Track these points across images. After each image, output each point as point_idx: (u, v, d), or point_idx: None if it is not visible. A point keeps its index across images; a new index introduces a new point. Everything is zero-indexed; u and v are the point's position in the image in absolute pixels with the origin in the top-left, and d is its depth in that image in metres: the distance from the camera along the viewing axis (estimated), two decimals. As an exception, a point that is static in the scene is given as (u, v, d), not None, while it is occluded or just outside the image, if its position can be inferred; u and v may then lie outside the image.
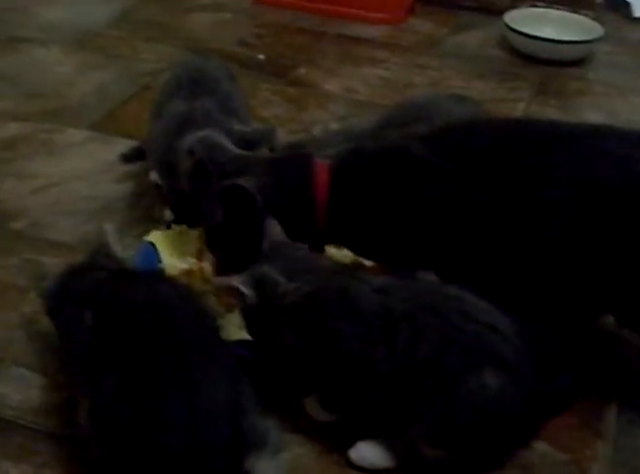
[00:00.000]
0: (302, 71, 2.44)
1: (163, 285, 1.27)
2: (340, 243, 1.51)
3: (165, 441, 1.10)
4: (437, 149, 1.40)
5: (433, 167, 1.38)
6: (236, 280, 1.31)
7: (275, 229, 1.41)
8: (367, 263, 1.57)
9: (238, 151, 1.54)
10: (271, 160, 1.55)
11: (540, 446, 1.33)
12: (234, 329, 1.45)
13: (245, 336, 1.41)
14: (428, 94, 2.19)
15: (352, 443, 1.29)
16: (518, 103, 2.34)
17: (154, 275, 1.41)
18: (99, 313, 1.22)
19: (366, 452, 1.28)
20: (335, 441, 1.31)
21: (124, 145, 1.94)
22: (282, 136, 1.88)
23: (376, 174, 1.43)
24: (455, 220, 1.38)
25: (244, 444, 1.14)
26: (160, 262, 1.59)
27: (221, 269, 1.51)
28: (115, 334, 1.18)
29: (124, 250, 1.45)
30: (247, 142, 1.60)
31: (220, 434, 1.11)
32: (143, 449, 1.10)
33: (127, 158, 1.89)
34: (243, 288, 1.31)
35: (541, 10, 2.83)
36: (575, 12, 2.82)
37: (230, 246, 1.49)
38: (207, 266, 1.58)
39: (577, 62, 2.62)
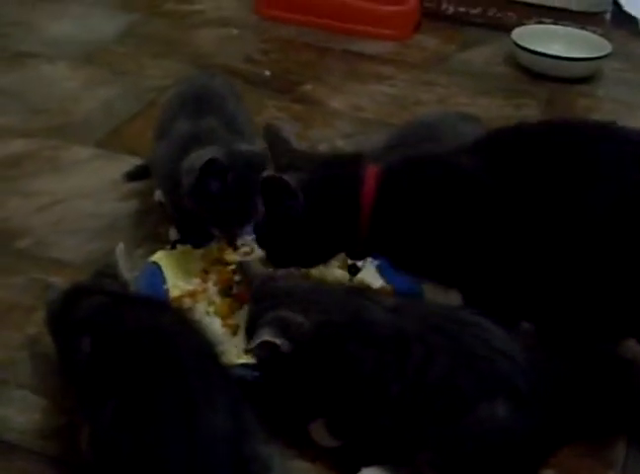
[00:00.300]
0: (308, 88, 2.43)
1: (163, 311, 1.27)
2: (380, 252, 1.49)
3: (165, 469, 1.09)
4: (486, 164, 1.38)
5: (481, 183, 1.37)
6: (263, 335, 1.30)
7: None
8: (375, 284, 1.56)
9: (296, 145, 1.54)
10: (324, 158, 1.53)
11: (549, 475, 1.31)
12: (238, 352, 1.45)
13: (249, 359, 1.41)
14: (437, 112, 2.17)
15: (356, 470, 1.28)
16: (525, 120, 2.32)
17: (155, 300, 1.40)
18: (97, 339, 1.21)
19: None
20: (340, 468, 1.30)
21: (130, 163, 1.94)
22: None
23: (425, 185, 1.40)
24: (495, 239, 1.35)
25: (247, 471, 1.12)
26: (164, 283, 1.59)
27: (269, 264, 1.51)
28: (113, 360, 1.17)
29: (132, 271, 1.43)
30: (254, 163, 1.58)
31: (222, 461, 1.10)
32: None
33: (132, 176, 1.88)
34: (276, 340, 1.29)
35: (549, 27, 2.82)
36: (583, 28, 2.81)
37: (273, 240, 1.48)
38: (212, 286, 1.57)
39: (585, 79, 2.61)
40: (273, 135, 1.54)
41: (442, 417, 1.21)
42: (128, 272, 1.39)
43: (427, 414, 1.22)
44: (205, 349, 1.22)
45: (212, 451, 1.10)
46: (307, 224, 1.43)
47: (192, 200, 1.57)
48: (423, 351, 1.23)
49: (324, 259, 1.51)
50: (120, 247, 1.40)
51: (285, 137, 1.53)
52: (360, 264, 1.60)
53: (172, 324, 1.22)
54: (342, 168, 1.46)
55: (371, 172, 1.42)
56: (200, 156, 1.54)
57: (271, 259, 1.51)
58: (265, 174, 1.46)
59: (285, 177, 1.41)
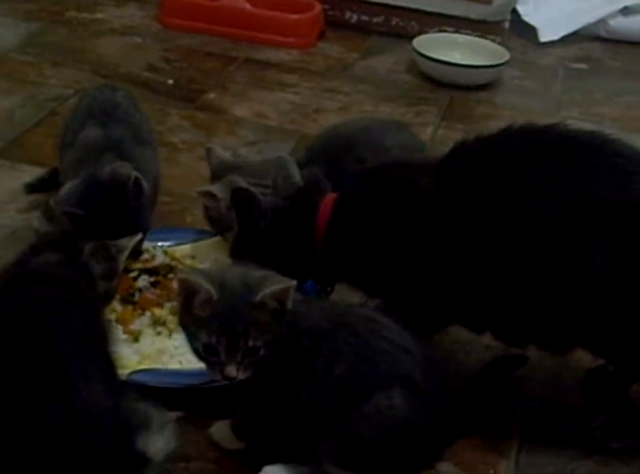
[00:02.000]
0: (212, 96, 2.44)
1: (50, 288, 1.25)
2: (337, 277, 1.51)
3: (48, 439, 1.09)
4: (443, 183, 1.39)
5: (437, 202, 1.38)
6: None
7: None
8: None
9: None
10: (297, 187, 1.53)
11: (445, 467, 1.34)
12: (140, 358, 1.46)
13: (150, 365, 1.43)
14: (358, 120, 2.16)
15: (258, 469, 1.29)
16: (425, 127, 2.38)
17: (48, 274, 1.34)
18: None
19: (274, 476, 1.29)
20: (242, 467, 1.31)
21: (31, 173, 1.92)
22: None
23: (376, 209, 1.43)
24: (449, 258, 1.37)
25: (129, 428, 1.14)
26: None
27: None
28: None
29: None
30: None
31: (103, 426, 1.11)
32: (25, 449, 1.09)
33: (32, 188, 1.87)
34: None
35: (449, 35, 2.89)
36: (482, 37, 2.88)
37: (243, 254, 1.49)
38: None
39: (484, 86, 2.67)
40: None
41: (343, 410, 1.23)
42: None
43: (329, 408, 1.24)
44: (86, 326, 1.21)
45: (92, 418, 1.11)
46: (269, 246, 1.46)
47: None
48: (330, 348, 1.25)
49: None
50: None
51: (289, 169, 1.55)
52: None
53: (51, 301, 1.21)
54: (304, 196, 1.49)
55: (329, 200, 1.46)
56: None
57: None
58: (236, 185, 1.50)
59: (243, 184, 1.47)
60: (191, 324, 1.24)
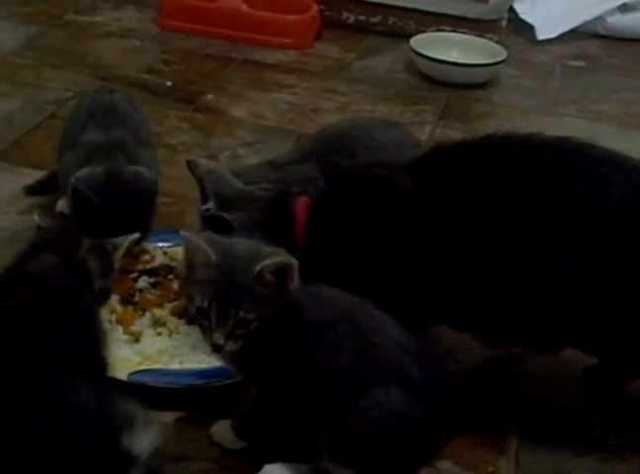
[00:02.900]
0: (210, 97, 2.45)
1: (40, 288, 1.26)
2: (319, 277, 1.51)
3: (34, 440, 1.10)
4: (419, 180, 1.40)
5: (413, 200, 1.39)
6: None
7: None
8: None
9: (242, 186, 1.56)
10: (259, 197, 1.54)
11: (445, 465, 1.35)
12: (140, 359, 1.47)
13: (151, 365, 1.44)
14: (351, 119, 2.18)
15: (257, 468, 1.29)
16: (423, 126, 2.38)
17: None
18: None
19: (275, 474, 1.29)
20: (242, 467, 1.32)
21: (31, 175, 1.93)
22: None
23: (348, 206, 1.44)
24: (424, 256, 1.38)
25: (114, 428, 1.14)
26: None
27: None
28: None
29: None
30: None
31: (89, 428, 1.12)
32: (11, 450, 1.10)
33: (31, 190, 1.88)
34: None
35: (446, 34, 2.89)
36: (479, 36, 2.89)
37: None
38: (113, 294, 1.57)
39: (482, 85, 2.68)
40: (214, 180, 1.56)
41: (341, 404, 1.24)
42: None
43: (328, 401, 1.25)
44: (76, 329, 1.22)
45: (78, 419, 1.12)
46: None
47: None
48: (332, 340, 1.26)
49: None
50: None
51: (228, 178, 1.56)
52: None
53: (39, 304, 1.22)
54: (276, 205, 1.49)
55: (302, 205, 1.46)
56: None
57: None
58: (209, 212, 1.50)
59: (227, 216, 1.46)
60: (190, 285, 1.24)
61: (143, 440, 1.16)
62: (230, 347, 1.22)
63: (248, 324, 1.21)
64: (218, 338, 1.21)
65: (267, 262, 1.21)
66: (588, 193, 1.32)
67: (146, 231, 1.61)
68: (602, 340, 1.37)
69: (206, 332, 1.23)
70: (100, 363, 1.23)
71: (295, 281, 1.23)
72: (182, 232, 1.27)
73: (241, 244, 1.27)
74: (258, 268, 1.20)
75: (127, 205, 1.58)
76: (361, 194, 1.45)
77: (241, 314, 1.20)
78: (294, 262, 1.22)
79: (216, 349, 1.22)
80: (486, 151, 1.41)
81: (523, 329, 1.38)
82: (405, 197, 1.40)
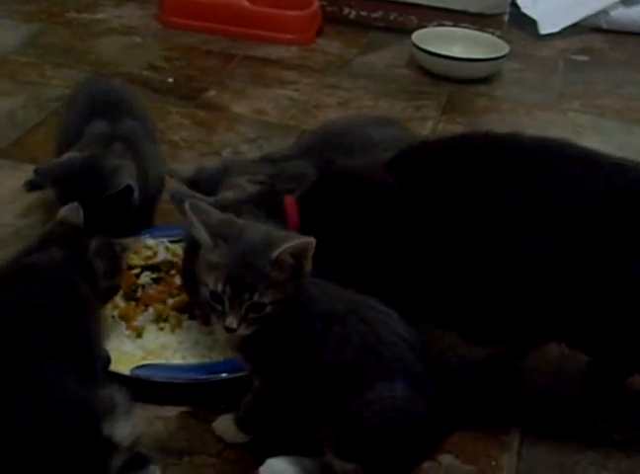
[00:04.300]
0: (212, 94, 2.45)
1: (35, 282, 1.26)
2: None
3: (18, 429, 1.10)
4: (402, 176, 1.41)
5: (397, 196, 1.39)
6: None
7: None
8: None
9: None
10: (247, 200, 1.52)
11: (446, 459, 1.35)
12: (143, 354, 1.47)
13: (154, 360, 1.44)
14: (348, 117, 2.19)
15: (260, 463, 1.29)
16: (426, 121, 2.38)
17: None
18: None
19: (278, 469, 1.29)
20: (244, 461, 1.32)
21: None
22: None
23: (340, 203, 1.43)
24: (408, 251, 1.38)
25: (96, 415, 1.15)
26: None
27: None
28: None
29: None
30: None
31: (73, 417, 1.12)
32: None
33: (32, 185, 1.88)
34: None
35: (448, 29, 2.89)
36: (481, 30, 2.88)
37: None
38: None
39: (484, 80, 2.68)
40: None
41: (346, 396, 1.24)
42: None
43: (333, 394, 1.25)
44: (69, 324, 1.23)
45: (61, 408, 1.12)
46: None
47: None
48: (341, 332, 1.25)
49: None
50: None
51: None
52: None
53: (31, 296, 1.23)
54: (269, 207, 1.46)
55: (290, 202, 1.45)
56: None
57: None
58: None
59: None
60: (203, 270, 1.23)
61: (124, 428, 1.16)
62: (243, 331, 1.21)
63: (262, 308, 1.20)
64: (232, 321, 1.20)
65: (288, 244, 1.20)
66: (564, 192, 1.33)
67: (119, 225, 1.57)
68: (584, 335, 1.37)
69: (219, 316, 1.22)
70: (92, 357, 1.23)
71: (310, 263, 1.22)
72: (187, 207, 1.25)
73: (252, 227, 1.25)
74: (279, 250, 1.19)
75: (90, 198, 1.53)
76: (345, 191, 1.45)
77: (255, 298, 1.19)
78: (313, 240, 1.21)
79: (229, 331, 1.21)
80: (464, 149, 1.42)
81: (505, 326, 1.39)
82: (386, 193, 1.40)
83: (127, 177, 1.59)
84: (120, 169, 1.60)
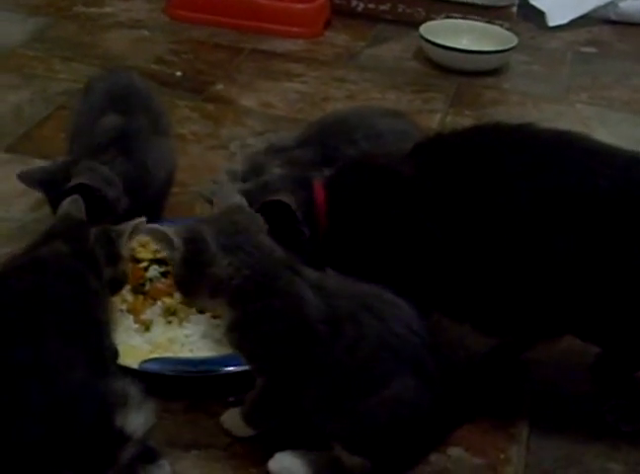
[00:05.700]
0: (220, 87, 2.45)
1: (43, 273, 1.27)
2: (336, 263, 1.48)
3: (30, 421, 1.11)
4: (424, 169, 1.41)
5: (414, 186, 1.40)
6: None
7: None
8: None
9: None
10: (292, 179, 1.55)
11: (455, 452, 1.35)
12: (151, 347, 1.47)
13: (162, 354, 1.45)
14: (353, 107, 2.20)
15: (268, 456, 1.29)
16: (434, 114, 2.38)
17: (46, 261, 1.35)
18: None
19: (286, 463, 1.29)
20: (253, 455, 1.32)
21: (41, 167, 1.93)
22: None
23: (366, 193, 1.44)
24: (428, 244, 1.38)
25: (108, 406, 1.15)
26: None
27: None
28: None
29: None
30: None
31: (85, 410, 1.13)
32: (7, 432, 1.10)
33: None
34: None
35: (456, 21, 2.88)
36: (490, 22, 2.88)
37: None
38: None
39: (492, 72, 2.67)
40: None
41: (361, 393, 1.23)
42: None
43: (345, 392, 1.24)
44: (79, 317, 1.23)
45: (72, 401, 1.13)
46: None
47: None
48: (354, 331, 1.25)
49: None
50: None
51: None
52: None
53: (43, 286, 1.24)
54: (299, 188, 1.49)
55: (318, 187, 1.47)
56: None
57: None
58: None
59: (283, 198, 1.45)
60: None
61: (137, 419, 1.16)
62: None
63: None
64: None
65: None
66: (577, 184, 1.33)
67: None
68: (597, 328, 1.37)
69: None
70: (102, 349, 1.24)
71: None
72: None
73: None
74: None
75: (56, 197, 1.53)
76: (368, 182, 1.45)
77: None
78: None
79: None
80: (481, 144, 1.42)
81: (519, 318, 1.39)
82: (406, 184, 1.41)
83: (86, 178, 1.58)
84: (82, 171, 1.60)
